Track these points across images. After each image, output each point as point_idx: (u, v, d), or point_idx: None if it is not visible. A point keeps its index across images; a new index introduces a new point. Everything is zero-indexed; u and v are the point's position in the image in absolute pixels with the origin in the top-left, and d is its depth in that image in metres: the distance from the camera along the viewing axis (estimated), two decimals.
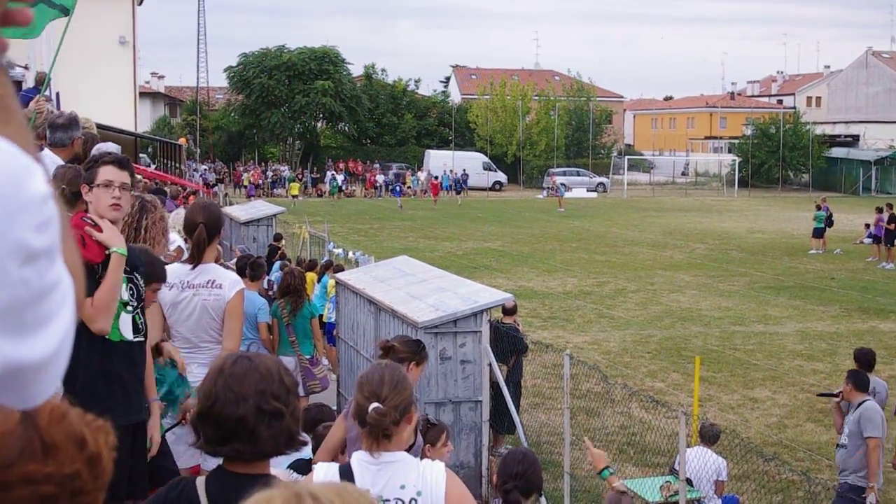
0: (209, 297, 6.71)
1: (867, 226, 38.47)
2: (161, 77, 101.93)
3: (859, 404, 9.88)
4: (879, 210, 34.30)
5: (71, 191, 5.51)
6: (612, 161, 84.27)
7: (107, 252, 5.20)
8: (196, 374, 6.58)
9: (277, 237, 21.56)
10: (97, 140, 8.58)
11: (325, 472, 4.06)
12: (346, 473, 4.00)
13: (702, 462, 9.77)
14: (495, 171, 76.72)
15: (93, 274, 5.06)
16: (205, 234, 6.62)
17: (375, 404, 4.01)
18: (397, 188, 63.55)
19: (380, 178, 70.43)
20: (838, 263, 33.39)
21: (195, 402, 6.09)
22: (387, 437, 4.00)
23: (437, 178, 68.31)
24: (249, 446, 3.12)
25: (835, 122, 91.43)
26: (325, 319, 16.09)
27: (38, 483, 1.32)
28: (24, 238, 1.29)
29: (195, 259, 6.69)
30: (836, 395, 10.64)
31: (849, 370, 10.54)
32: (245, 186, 66.27)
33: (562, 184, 61.94)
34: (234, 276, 7.01)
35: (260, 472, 3.22)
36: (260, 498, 1.57)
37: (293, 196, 60.98)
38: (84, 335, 4.87)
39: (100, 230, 5.16)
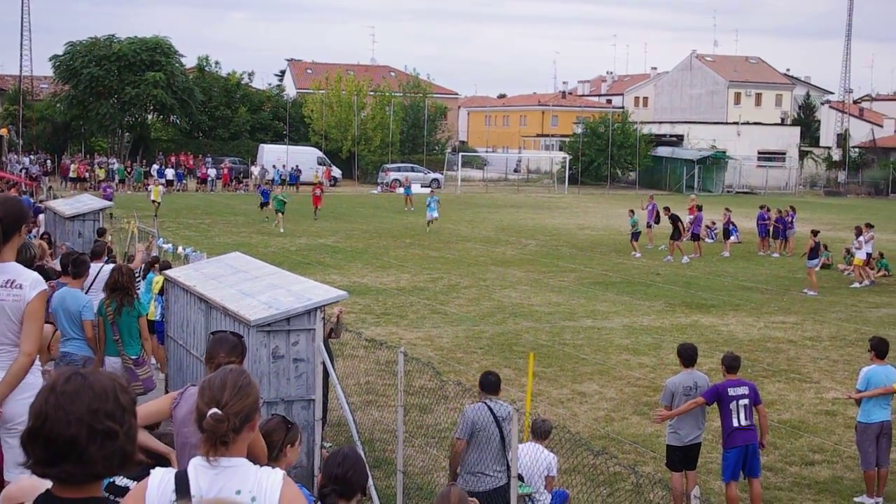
0: (8, 297, 6.20)
1: (712, 223, 40.01)
2: None
3: None
4: (700, 208, 35.95)
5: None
6: (447, 157, 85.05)
7: None
8: None
9: (101, 232, 20.77)
10: None
11: (160, 477, 3.91)
12: (182, 478, 3.87)
13: (533, 458, 9.89)
14: (330, 166, 76.42)
15: None
16: (0, 230, 6.06)
17: (213, 410, 3.89)
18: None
19: (211, 172, 69.04)
20: (663, 259, 34.42)
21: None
22: (224, 444, 3.89)
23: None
24: (80, 468, 2.99)
25: (661, 122, 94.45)
26: (150, 317, 15.67)
27: None
28: None
29: None
30: None
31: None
32: (74, 179, 62.85)
33: (409, 183, 60.12)
34: (36, 275, 6.42)
35: (90, 495, 3.11)
36: None
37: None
38: None
39: None
